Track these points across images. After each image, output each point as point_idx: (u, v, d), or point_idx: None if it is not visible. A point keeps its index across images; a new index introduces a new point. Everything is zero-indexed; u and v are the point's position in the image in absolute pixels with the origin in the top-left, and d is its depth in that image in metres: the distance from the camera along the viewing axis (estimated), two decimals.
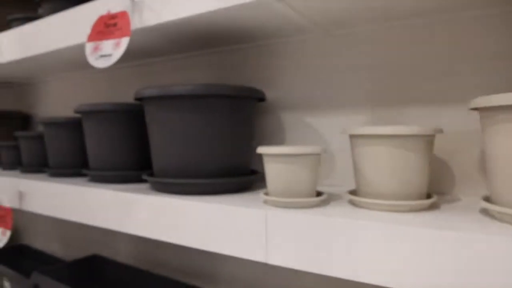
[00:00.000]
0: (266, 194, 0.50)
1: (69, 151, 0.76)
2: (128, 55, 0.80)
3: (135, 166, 0.67)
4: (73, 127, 0.76)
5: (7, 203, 0.73)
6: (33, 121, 1.17)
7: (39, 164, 0.86)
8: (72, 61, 0.84)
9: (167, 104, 0.53)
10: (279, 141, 0.68)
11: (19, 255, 1.05)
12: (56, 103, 1.12)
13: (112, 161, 0.66)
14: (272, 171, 0.47)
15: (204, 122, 0.53)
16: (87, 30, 0.63)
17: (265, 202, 0.49)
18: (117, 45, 0.49)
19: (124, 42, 0.48)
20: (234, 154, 0.56)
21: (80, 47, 0.70)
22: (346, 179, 0.62)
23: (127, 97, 0.92)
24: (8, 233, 0.70)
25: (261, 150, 0.48)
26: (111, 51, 0.49)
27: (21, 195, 0.75)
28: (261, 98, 0.60)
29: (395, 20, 0.56)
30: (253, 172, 0.63)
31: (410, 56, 0.56)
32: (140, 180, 0.67)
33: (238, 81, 0.72)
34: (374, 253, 0.37)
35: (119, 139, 0.65)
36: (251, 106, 0.58)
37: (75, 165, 0.77)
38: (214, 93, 0.52)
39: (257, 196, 0.53)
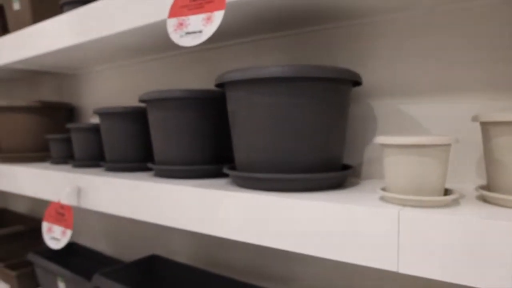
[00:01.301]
0: (384, 190, 0.43)
1: (130, 144, 0.71)
2: None
3: (209, 159, 0.61)
4: (134, 117, 0.71)
5: (65, 200, 0.68)
6: (77, 113, 1.13)
7: (94, 158, 0.81)
8: (129, 46, 0.79)
9: (258, 89, 0.47)
10: (370, 132, 0.61)
11: (68, 253, 1.01)
12: (99, 94, 1.07)
13: (183, 154, 0.60)
14: (396, 164, 0.40)
15: (301, 108, 0.47)
16: (154, 10, 0.57)
17: (383, 199, 0.42)
18: (208, 20, 0.43)
19: (218, 16, 0.42)
20: (331, 145, 0.50)
21: (141, 30, 0.64)
22: (450, 173, 0.55)
23: (184, 86, 0.86)
24: (68, 233, 0.65)
25: (382, 140, 0.41)
26: (200, 27, 0.43)
27: (79, 192, 0.70)
28: (358, 82, 0.53)
29: None
30: (345, 167, 0.57)
31: None
32: (213, 175, 0.61)
33: None
34: None
35: (192, 130, 0.59)
36: (347, 91, 0.52)
37: (136, 159, 0.72)
38: (313, 76, 0.45)
39: (361, 193, 0.47)
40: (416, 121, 0.57)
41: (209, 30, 0.42)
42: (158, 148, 0.63)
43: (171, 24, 0.46)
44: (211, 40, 0.75)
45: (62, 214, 0.67)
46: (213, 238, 0.84)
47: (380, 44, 0.59)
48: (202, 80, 0.82)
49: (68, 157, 0.89)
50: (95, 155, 0.81)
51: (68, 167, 0.84)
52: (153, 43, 0.76)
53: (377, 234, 0.38)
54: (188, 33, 0.44)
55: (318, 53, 0.66)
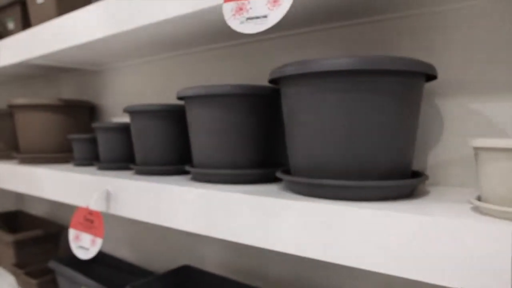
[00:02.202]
0: (479, 200, 0.37)
1: (164, 145, 0.66)
2: (225, 33, 0.69)
3: (257, 163, 0.56)
4: (170, 116, 0.65)
5: (94, 206, 0.63)
6: (98, 112, 1.08)
7: (121, 160, 0.76)
8: (164, 39, 0.73)
9: (324, 84, 0.42)
10: (435, 134, 0.55)
11: (91, 261, 0.96)
12: (121, 92, 1.02)
13: (228, 157, 0.55)
14: (501, 171, 0.34)
15: (374, 105, 0.41)
16: None
17: (478, 211, 0.36)
18: (274, 3, 0.37)
19: None
20: (404, 148, 0.44)
21: (185, 18, 0.59)
22: None
23: (218, 83, 0.80)
24: (99, 242, 0.60)
25: (483, 143, 0.35)
26: (265, 11, 0.38)
27: (109, 197, 0.65)
28: (432, 77, 0.47)
29: None
30: (415, 174, 0.51)
31: None
32: (260, 180, 0.56)
33: None
34: None
35: (240, 130, 0.54)
36: (422, 87, 0.46)
37: (171, 161, 0.67)
38: (390, 68, 0.40)
39: (443, 203, 0.41)
40: (493, 122, 0.51)
41: (276, 15, 0.37)
42: (198, 150, 0.57)
43: (228, 9, 0.41)
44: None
45: (91, 221, 0.62)
46: (249, 247, 0.78)
47: (451, 36, 0.53)
48: (239, 76, 0.76)
49: (92, 158, 0.85)
50: (122, 157, 0.76)
51: (92, 169, 0.79)
52: (194, 35, 0.70)
53: (482, 254, 0.32)
54: (249, 18, 0.39)
55: (371, 47, 0.60)
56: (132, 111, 0.67)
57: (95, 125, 0.77)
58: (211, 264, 0.85)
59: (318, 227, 0.41)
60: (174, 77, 0.89)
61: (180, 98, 0.60)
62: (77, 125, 0.96)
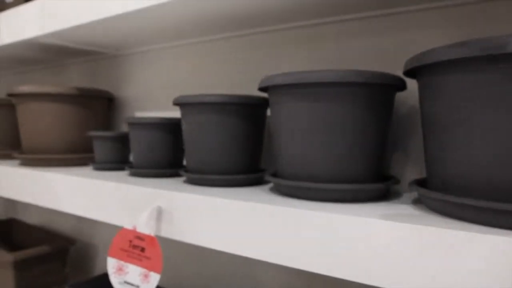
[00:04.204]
0: None
1: (232, 148, 0.52)
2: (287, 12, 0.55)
3: (374, 174, 0.43)
4: (242, 111, 0.51)
5: (144, 228, 0.49)
6: (116, 106, 0.93)
7: (166, 165, 0.61)
8: (216, 16, 0.59)
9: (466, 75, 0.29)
10: None
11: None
12: (146, 82, 0.88)
13: (340, 168, 0.41)
14: None
15: None
16: None
17: None
18: None
19: None
20: None
21: None
22: None
23: (268, 73, 0.67)
24: (154, 278, 0.46)
25: None
26: None
27: (159, 216, 0.51)
28: None
29: None
30: None
31: None
32: (377, 198, 0.43)
33: None
34: None
35: (359, 133, 0.40)
36: None
37: (240, 169, 0.53)
38: None
39: None
40: None
41: None
42: (289, 157, 0.43)
43: None
44: (312, 14, 0.56)
45: (141, 248, 0.48)
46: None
47: None
48: (293, 67, 0.63)
49: (120, 161, 0.70)
50: (165, 161, 0.61)
51: (122, 175, 0.64)
52: (263, 10, 0.57)
53: None
54: None
55: (490, 31, 0.47)
56: (186, 103, 0.53)
57: (131, 120, 0.62)
58: None
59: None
60: (213, 65, 0.75)
61: (262, 89, 0.47)
62: (94, 120, 0.81)
